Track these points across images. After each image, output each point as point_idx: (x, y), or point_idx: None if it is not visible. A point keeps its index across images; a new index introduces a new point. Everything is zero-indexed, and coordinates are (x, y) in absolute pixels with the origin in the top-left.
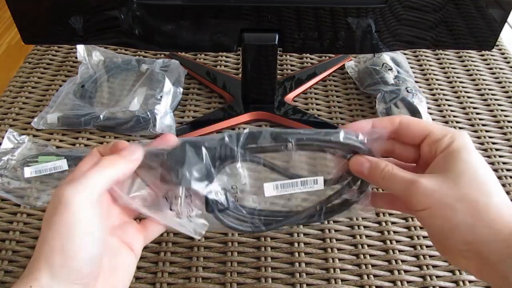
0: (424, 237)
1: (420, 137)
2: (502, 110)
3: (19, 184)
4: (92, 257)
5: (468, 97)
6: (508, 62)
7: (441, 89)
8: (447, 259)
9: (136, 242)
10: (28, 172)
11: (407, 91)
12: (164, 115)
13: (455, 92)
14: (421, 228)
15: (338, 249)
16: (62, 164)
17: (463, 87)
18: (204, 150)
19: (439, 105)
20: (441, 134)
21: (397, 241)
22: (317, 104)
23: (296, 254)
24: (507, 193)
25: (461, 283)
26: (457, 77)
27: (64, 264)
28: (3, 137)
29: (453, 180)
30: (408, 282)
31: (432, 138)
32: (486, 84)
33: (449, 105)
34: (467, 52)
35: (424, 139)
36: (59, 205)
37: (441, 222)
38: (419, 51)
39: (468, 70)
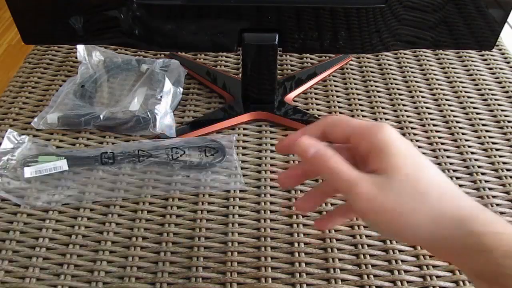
0: None
1: (344, 137)
2: (502, 110)
3: (19, 184)
4: None
5: (468, 97)
6: (508, 62)
7: (441, 89)
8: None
9: None
10: (28, 172)
11: None
12: (164, 115)
13: (455, 92)
14: None
15: (338, 249)
16: (63, 164)
17: (463, 87)
18: None
19: (439, 105)
20: (361, 132)
21: (397, 241)
22: (317, 104)
23: (296, 254)
24: (507, 193)
25: (461, 283)
26: (457, 77)
27: None
28: (3, 137)
29: (387, 183)
30: (408, 282)
31: (354, 138)
32: (486, 84)
33: (449, 105)
34: (467, 52)
35: (349, 139)
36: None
37: (385, 226)
38: (419, 51)
39: (468, 70)
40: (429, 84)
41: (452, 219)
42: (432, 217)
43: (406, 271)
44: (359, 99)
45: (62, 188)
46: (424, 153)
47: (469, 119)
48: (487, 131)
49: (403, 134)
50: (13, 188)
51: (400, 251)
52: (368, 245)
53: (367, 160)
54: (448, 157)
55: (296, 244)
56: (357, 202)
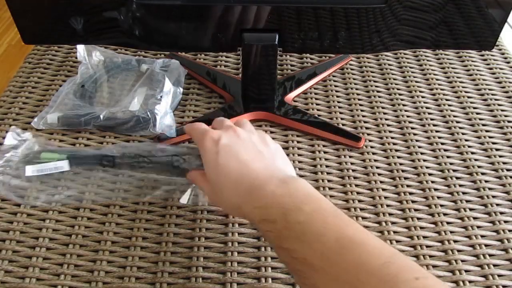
0: (424, 237)
1: None
2: (502, 110)
3: (19, 182)
4: None
5: (468, 97)
6: (508, 62)
7: (441, 89)
8: None
9: None
10: (30, 170)
11: None
12: (164, 115)
13: (455, 92)
14: (421, 228)
15: None
16: (64, 165)
17: (463, 87)
18: None
19: (439, 105)
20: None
21: (397, 241)
22: (317, 104)
23: None
24: (507, 193)
25: (461, 283)
26: (457, 77)
27: None
28: (4, 137)
29: (210, 187)
30: None
31: None
32: (486, 84)
33: (449, 105)
34: (467, 52)
35: None
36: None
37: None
38: (419, 51)
39: (468, 70)
40: (429, 84)
41: (236, 204)
42: (229, 205)
43: None
44: (359, 99)
45: (62, 188)
46: (424, 153)
47: (469, 119)
48: (487, 131)
49: (403, 134)
50: (14, 186)
51: (400, 251)
52: None
53: None
54: (448, 157)
55: None
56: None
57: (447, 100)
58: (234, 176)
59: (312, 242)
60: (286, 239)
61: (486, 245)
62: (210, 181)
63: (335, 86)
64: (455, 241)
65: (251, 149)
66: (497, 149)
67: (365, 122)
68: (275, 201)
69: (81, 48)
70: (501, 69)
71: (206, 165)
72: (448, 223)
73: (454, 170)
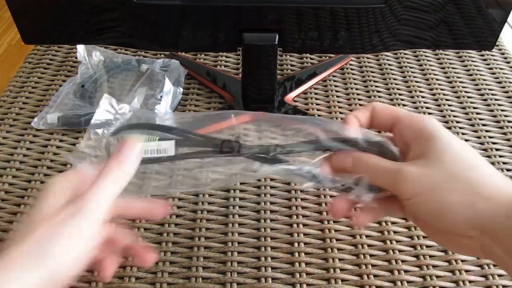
0: (424, 237)
1: (389, 124)
2: (502, 110)
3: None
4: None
5: (468, 97)
6: (508, 62)
7: (441, 89)
8: (447, 246)
9: None
10: None
11: None
12: (164, 115)
13: (455, 92)
14: None
15: (338, 249)
16: (169, 147)
17: (463, 87)
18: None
19: (439, 105)
20: (409, 120)
21: (397, 241)
22: (317, 104)
23: (296, 254)
24: None
25: (461, 283)
26: (457, 77)
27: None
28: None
29: (437, 162)
30: (408, 282)
31: (401, 125)
32: (486, 84)
33: (449, 105)
34: (467, 52)
35: (394, 126)
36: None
37: (436, 205)
38: (419, 51)
39: (468, 70)
40: (429, 84)
41: (488, 201)
42: (469, 197)
43: (406, 271)
44: (359, 99)
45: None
46: None
47: (469, 119)
48: (487, 131)
49: None
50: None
51: (400, 251)
52: (368, 245)
53: (409, 147)
54: None
55: (296, 244)
56: (404, 185)
57: (447, 100)
58: (486, 165)
59: None
60: None
61: None
62: (449, 154)
63: (335, 86)
64: None
65: None
66: (497, 149)
67: None
68: None
69: (81, 48)
70: (501, 69)
71: (447, 143)
72: None
73: None
